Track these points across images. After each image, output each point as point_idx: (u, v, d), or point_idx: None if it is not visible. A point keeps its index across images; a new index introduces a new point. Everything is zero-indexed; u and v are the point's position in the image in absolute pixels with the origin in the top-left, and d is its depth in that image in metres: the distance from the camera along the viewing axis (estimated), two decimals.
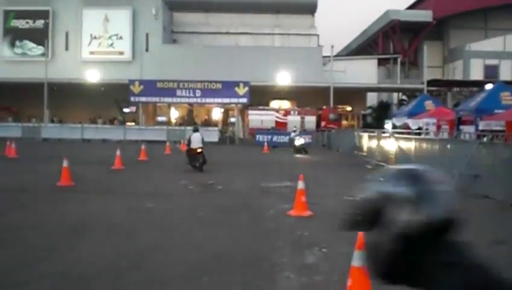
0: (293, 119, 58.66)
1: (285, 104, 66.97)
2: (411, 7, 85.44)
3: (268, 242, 10.53)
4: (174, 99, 60.20)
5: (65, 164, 18.66)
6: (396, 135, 31.64)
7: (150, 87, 58.61)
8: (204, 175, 22.86)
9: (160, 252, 9.55)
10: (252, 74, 58.49)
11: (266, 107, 62.08)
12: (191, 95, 59.21)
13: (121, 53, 68.50)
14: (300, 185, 13.78)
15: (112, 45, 68.64)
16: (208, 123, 64.32)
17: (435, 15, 75.88)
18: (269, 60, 62.91)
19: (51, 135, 52.92)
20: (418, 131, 34.30)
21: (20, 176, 21.77)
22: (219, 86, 58.60)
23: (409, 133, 33.88)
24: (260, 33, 74.45)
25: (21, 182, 19.52)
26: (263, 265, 8.77)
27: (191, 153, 25.77)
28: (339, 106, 64.28)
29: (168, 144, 40.80)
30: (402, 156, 27.46)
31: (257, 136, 53.24)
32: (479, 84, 53.46)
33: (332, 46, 62.77)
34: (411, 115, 38.01)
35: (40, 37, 67.11)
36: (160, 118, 64.82)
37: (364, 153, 35.01)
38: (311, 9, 77.59)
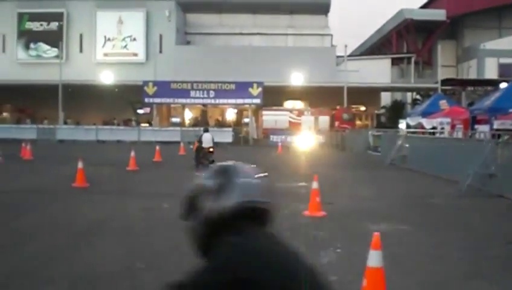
0: (307, 120, 58.65)
1: (299, 105, 66.91)
2: (425, 6, 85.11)
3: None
4: (188, 100, 60.30)
5: (80, 165, 18.75)
6: (410, 135, 31.63)
7: (164, 88, 58.73)
8: None
9: (176, 253, 9.59)
10: (265, 75, 58.46)
11: (280, 108, 62.08)
12: (205, 95, 59.29)
13: (135, 54, 68.76)
14: (315, 185, 13.79)
15: (125, 46, 68.92)
16: (222, 124, 64.33)
17: (448, 14, 75.56)
18: (283, 61, 62.87)
19: (66, 137, 53.15)
20: (432, 131, 34.17)
21: (36, 177, 21.91)
22: (233, 86, 58.63)
23: (423, 133, 33.82)
24: (273, 33, 74.43)
25: (36, 183, 19.65)
26: None
27: (202, 151, 26.57)
28: (353, 106, 64.13)
29: (182, 144, 40.85)
30: (415, 155, 27.40)
31: (271, 136, 53.27)
32: (494, 83, 53.16)
33: (345, 46, 62.73)
34: (425, 114, 37.86)
35: (54, 39, 67.42)
36: (174, 119, 64.91)
37: (378, 153, 34.96)
38: (324, 10, 77.47)
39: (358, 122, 63.02)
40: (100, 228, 11.71)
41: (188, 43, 74.84)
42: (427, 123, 35.94)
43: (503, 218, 14.27)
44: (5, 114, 68.77)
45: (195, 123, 63.15)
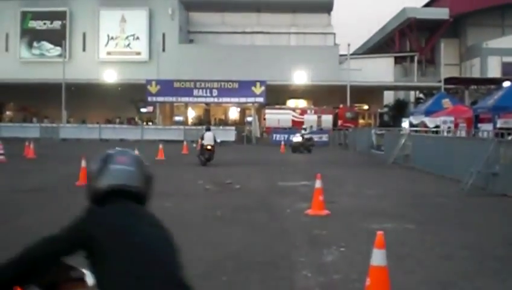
0: (310, 118, 58.64)
1: (302, 103, 66.92)
2: (428, 5, 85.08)
3: (286, 241, 10.55)
4: (191, 99, 60.40)
5: (83, 164, 18.78)
6: (413, 134, 31.59)
7: (167, 87, 58.78)
8: (221, 174, 22.90)
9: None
10: (268, 73, 58.49)
11: (283, 106, 62.11)
12: (208, 94, 59.36)
13: (138, 53, 68.82)
14: (318, 184, 13.77)
15: (128, 45, 68.99)
16: (224, 123, 64.34)
17: (451, 12, 75.53)
18: (285, 59, 62.86)
19: (69, 135, 53.23)
20: (436, 129, 34.14)
21: (39, 176, 21.92)
22: (235, 85, 58.68)
23: (426, 132, 33.79)
24: (276, 32, 74.43)
25: (40, 182, 19.65)
26: (281, 264, 8.79)
27: (202, 149, 28.35)
28: (356, 105, 64.15)
29: (185, 143, 40.86)
30: (418, 154, 27.38)
31: (274, 135, 53.29)
32: (497, 82, 53.06)
33: (348, 45, 62.67)
34: (428, 113, 37.86)
35: (57, 38, 67.50)
36: (177, 118, 64.98)
37: (381, 152, 34.94)
38: (327, 8, 77.46)
39: (361, 121, 62.97)
40: None
41: (191, 41, 74.89)
42: (430, 122, 35.92)
43: (507, 217, 14.25)
44: (8, 113, 68.89)
45: (199, 122, 63.18)
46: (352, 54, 66.22)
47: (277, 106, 60.48)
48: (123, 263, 2.68)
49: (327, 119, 59.11)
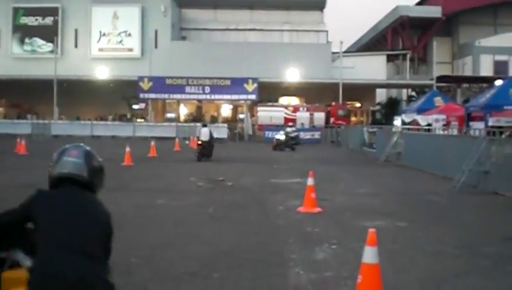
0: (302, 116, 58.66)
1: (294, 101, 66.94)
2: (420, 3, 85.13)
3: (279, 238, 10.56)
4: (183, 96, 60.38)
5: None
6: (405, 132, 31.64)
7: (159, 83, 58.74)
8: (214, 172, 22.89)
9: (171, 248, 9.60)
10: (261, 71, 58.50)
11: (275, 104, 62.03)
12: (200, 91, 59.33)
13: (130, 50, 68.71)
14: (310, 181, 13.79)
15: (121, 41, 68.89)
16: (217, 120, 64.27)
17: (444, 11, 75.68)
18: (278, 57, 62.87)
19: (61, 132, 53.03)
20: (428, 127, 34.21)
21: (30, 172, 21.85)
22: (228, 82, 58.67)
23: (418, 130, 33.86)
24: (269, 29, 74.43)
25: (31, 178, 19.58)
26: (273, 261, 8.80)
27: (198, 145, 29.59)
28: (348, 102, 64.23)
29: (177, 140, 40.83)
30: (410, 151, 27.44)
31: (266, 132, 53.29)
32: (489, 80, 53.22)
33: (341, 43, 62.77)
34: (420, 111, 37.93)
35: (49, 34, 67.33)
36: (169, 115, 64.93)
37: (374, 150, 35.00)
38: (320, 6, 77.53)
39: (353, 119, 63.06)
40: None
41: (184, 38, 74.79)
42: (422, 120, 35.98)
43: (498, 215, 14.30)
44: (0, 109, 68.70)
45: (193, 119, 63.13)
46: (344, 52, 66.34)
47: (269, 103, 60.43)
48: (49, 234, 3.47)
49: (319, 116, 59.09)
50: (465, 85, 62.03)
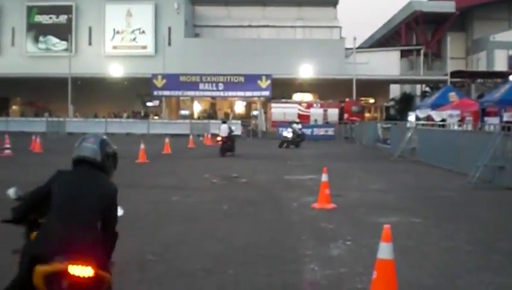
0: (316, 112, 58.63)
1: (308, 97, 66.83)
2: None
3: (293, 235, 10.57)
4: (197, 93, 60.48)
5: None
6: (419, 127, 31.53)
7: (173, 81, 58.86)
8: (228, 168, 22.94)
9: (186, 245, 9.63)
10: (274, 67, 58.49)
11: (289, 100, 62.02)
12: (214, 88, 59.41)
13: (144, 47, 68.90)
14: (324, 177, 13.78)
15: (134, 39, 69.08)
16: (228, 117, 64.24)
17: (458, 6, 75.32)
18: (291, 53, 62.86)
19: (75, 130, 53.17)
20: (442, 123, 34.08)
21: (45, 170, 21.90)
22: (241, 79, 58.70)
23: (432, 125, 33.72)
24: (282, 26, 74.36)
25: (46, 176, 19.66)
26: (288, 257, 8.81)
27: (218, 141, 31.18)
28: (362, 98, 64.11)
29: (191, 137, 40.90)
30: (425, 147, 27.35)
31: (280, 129, 53.26)
32: (503, 75, 52.97)
33: (354, 38, 62.54)
34: (434, 106, 37.78)
35: (63, 32, 67.66)
36: (183, 112, 65.05)
37: (388, 146, 34.92)
38: (333, 1, 77.43)
39: (367, 115, 62.95)
40: None
41: (197, 35, 74.92)
42: (437, 115, 35.83)
43: None
44: (14, 107, 69.07)
45: (207, 116, 63.25)
46: (358, 48, 66.10)
47: (283, 100, 60.43)
48: (58, 200, 4.47)
49: (333, 112, 59.03)
50: (479, 80, 61.69)
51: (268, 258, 8.75)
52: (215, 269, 8.10)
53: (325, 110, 59.27)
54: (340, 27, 77.34)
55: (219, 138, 31.02)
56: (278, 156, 31.72)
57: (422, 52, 73.19)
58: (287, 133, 40.00)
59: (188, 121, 57.02)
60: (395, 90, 71.61)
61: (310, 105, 60.43)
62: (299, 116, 57.36)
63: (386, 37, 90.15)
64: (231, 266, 8.29)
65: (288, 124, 44.59)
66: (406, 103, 64.04)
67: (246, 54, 62.60)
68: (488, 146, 18.38)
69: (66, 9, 68.90)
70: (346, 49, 69.16)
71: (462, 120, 33.26)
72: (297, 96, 65.90)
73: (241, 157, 29.92)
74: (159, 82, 58.93)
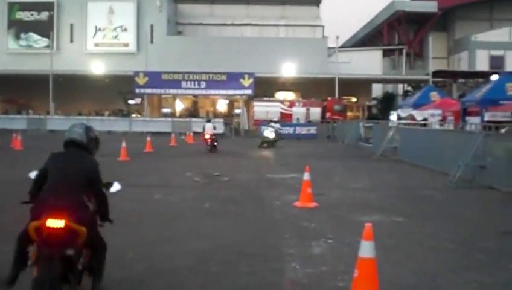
0: (298, 111, 58.67)
1: (290, 96, 66.90)
2: None
3: (275, 233, 10.57)
4: (179, 91, 60.28)
5: None
6: (401, 126, 31.65)
7: (155, 78, 58.64)
8: (210, 167, 22.90)
9: (168, 243, 9.59)
10: (257, 66, 58.47)
11: (271, 99, 62.01)
12: (196, 86, 59.25)
13: (126, 45, 68.61)
14: (306, 176, 13.80)
15: (116, 36, 68.76)
16: (213, 115, 64.17)
17: (440, 6, 75.72)
18: (274, 52, 62.85)
19: (56, 127, 52.84)
20: (424, 122, 34.25)
21: (26, 168, 21.75)
22: (224, 77, 58.61)
23: (414, 125, 33.88)
24: (265, 24, 74.40)
25: (26, 174, 19.54)
26: (270, 256, 8.80)
27: (205, 139, 32.05)
28: (344, 97, 64.22)
29: (173, 135, 40.80)
30: (406, 146, 27.45)
31: (262, 128, 53.27)
32: (485, 75, 53.32)
33: (337, 37, 62.70)
34: (416, 106, 37.97)
35: (45, 29, 67.26)
36: (165, 110, 64.88)
37: (370, 145, 35.01)
38: (316, 0, 77.56)
39: (349, 114, 63.14)
40: None
41: (179, 33, 74.72)
42: (418, 115, 36.00)
43: (494, 209, 14.32)
44: None
45: (189, 114, 63.13)
46: (340, 47, 66.32)
47: (265, 98, 60.39)
48: (51, 176, 5.91)
49: (315, 111, 59.11)
50: (461, 80, 62.12)
51: (251, 257, 8.75)
52: (198, 267, 8.08)
53: (308, 109, 59.31)
54: (323, 26, 77.52)
55: (207, 136, 31.83)
56: (260, 154, 31.74)
57: (404, 51, 73.52)
58: (269, 133, 39.14)
59: (170, 119, 56.88)
60: (377, 90, 71.88)
61: (292, 104, 60.48)
62: (282, 115, 57.41)
63: (368, 37, 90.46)
64: (213, 264, 8.27)
65: (267, 123, 43.71)
66: (388, 102, 64.33)
67: (229, 52, 62.47)
68: (469, 145, 18.48)
69: (48, 6, 68.43)
70: (329, 48, 69.28)
71: (443, 119, 33.44)
72: (279, 95, 65.95)
73: (223, 155, 29.89)
74: (141, 80, 58.69)
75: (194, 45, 67.04)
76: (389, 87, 74.53)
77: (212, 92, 60.46)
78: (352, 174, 21.89)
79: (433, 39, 62.81)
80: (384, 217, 12.30)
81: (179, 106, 68.02)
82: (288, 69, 61.16)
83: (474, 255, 9.28)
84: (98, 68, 61.58)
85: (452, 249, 9.63)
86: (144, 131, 49.08)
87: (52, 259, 5.37)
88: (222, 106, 69.53)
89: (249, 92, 58.82)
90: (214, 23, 74.19)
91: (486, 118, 28.79)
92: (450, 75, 62.46)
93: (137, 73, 58.80)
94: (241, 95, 60.04)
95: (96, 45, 68.48)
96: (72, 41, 68.75)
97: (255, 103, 59.49)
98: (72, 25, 68.60)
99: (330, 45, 69.07)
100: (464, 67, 71.98)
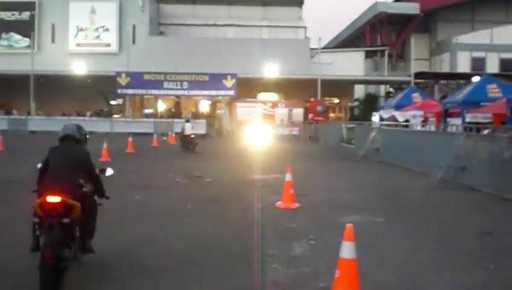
0: (281, 112, 58.69)
1: (273, 97, 66.91)
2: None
3: (257, 234, 10.56)
4: (161, 92, 60.15)
5: None
6: (383, 127, 31.76)
7: (137, 79, 58.44)
8: (192, 167, 22.84)
9: (149, 244, 9.57)
10: (239, 66, 58.43)
11: (254, 100, 61.96)
12: (178, 87, 59.14)
13: (108, 45, 68.19)
14: (288, 177, 13.81)
15: (98, 36, 68.32)
16: (196, 116, 64.04)
17: (422, 7, 75.98)
18: (257, 52, 62.75)
19: (38, 128, 52.58)
20: (405, 123, 34.39)
21: (7, 168, 21.69)
22: (206, 78, 58.55)
23: (396, 126, 34.01)
24: (248, 25, 74.26)
25: (7, 174, 19.44)
26: (252, 257, 8.79)
27: (185, 139, 32.63)
28: (327, 98, 64.33)
29: (155, 136, 40.69)
30: (388, 147, 27.56)
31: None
32: (466, 77, 53.60)
33: (319, 39, 62.81)
34: (398, 107, 38.07)
35: (26, 29, 66.69)
36: (147, 111, 64.68)
37: (352, 146, 35.11)
38: (298, 2, 77.60)
39: (331, 115, 63.25)
40: None
41: (162, 34, 74.47)
42: (400, 116, 36.14)
43: (475, 210, 14.41)
44: None
45: (171, 115, 62.94)
46: (323, 48, 66.45)
47: (248, 99, 60.35)
48: (52, 166, 7.19)
49: (298, 112, 59.12)
50: (442, 81, 62.36)
51: (233, 258, 8.75)
52: (179, 269, 8.07)
53: (290, 110, 59.31)
54: (305, 27, 77.57)
55: (193, 136, 32.83)
56: (243, 155, 31.70)
57: (386, 53, 73.68)
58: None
59: (151, 119, 56.72)
60: (359, 91, 72.04)
61: (275, 105, 60.47)
62: (264, 115, 57.40)
63: (350, 38, 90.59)
64: (195, 265, 8.26)
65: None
66: (370, 103, 64.50)
67: (211, 53, 62.38)
68: (450, 147, 18.57)
69: (29, 6, 67.90)
70: (311, 49, 69.29)
71: (425, 121, 33.58)
72: (262, 96, 65.93)
73: (205, 156, 29.86)
74: (123, 80, 58.46)
75: (176, 45, 66.84)
76: (371, 89, 74.70)
77: (195, 92, 60.38)
78: (335, 175, 21.94)
79: (415, 41, 63.18)
80: (366, 218, 12.34)
81: (161, 106, 67.80)
82: (271, 70, 61.13)
83: (454, 255, 9.33)
84: (79, 68, 61.18)
85: (433, 250, 9.68)
86: (125, 132, 48.84)
87: (52, 226, 6.75)
88: (205, 106, 69.39)
89: (232, 92, 58.80)
90: (196, 23, 73.97)
91: (467, 119, 28.94)
92: (431, 76, 62.69)
93: (119, 73, 58.55)
94: (223, 96, 59.98)
95: (78, 45, 68.01)
96: (53, 41, 68.24)
97: (238, 104, 59.43)
98: (53, 25, 68.10)
99: (313, 46, 69.08)
100: (445, 68, 72.32)
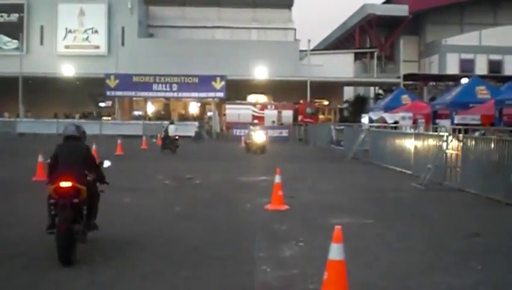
0: (270, 114, 58.67)
1: (262, 99, 66.85)
2: (387, 1, 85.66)
3: (246, 236, 10.55)
4: (151, 94, 59.97)
5: (40, 158, 18.55)
6: (372, 129, 31.81)
7: (126, 81, 58.28)
8: (181, 169, 22.80)
9: (137, 247, 9.54)
10: (228, 68, 58.38)
11: (243, 102, 61.89)
12: (168, 89, 58.99)
13: (97, 47, 68.06)
14: (277, 179, 13.81)
15: (87, 38, 68.17)
16: (186, 118, 63.93)
17: (411, 9, 76.23)
18: (246, 54, 62.76)
19: (26, 130, 52.40)
20: (395, 125, 34.45)
21: None
22: (196, 80, 58.43)
23: (385, 127, 34.06)
24: (237, 27, 74.27)
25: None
26: (241, 259, 8.79)
27: (168, 140, 32.94)
28: (316, 100, 64.39)
29: (144, 138, 40.60)
30: (377, 149, 27.60)
31: (234, 130, 53.25)
32: (455, 79, 53.79)
33: (309, 41, 62.87)
34: (387, 109, 38.11)
35: (14, 31, 66.53)
36: (136, 113, 64.54)
37: (341, 147, 35.13)
38: (288, 4, 77.67)
39: (321, 117, 63.23)
40: None
41: (151, 36, 74.37)
42: (389, 118, 36.18)
43: (463, 212, 14.44)
44: None
45: (159, 117, 62.78)
46: (312, 50, 66.44)
47: (237, 101, 60.29)
48: (61, 160, 8.74)
49: (287, 114, 59.10)
50: (431, 83, 62.59)
51: (222, 260, 8.73)
52: (167, 271, 8.04)
53: (280, 112, 59.30)
54: (295, 29, 77.69)
55: (177, 137, 33.02)
56: (231, 157, 31.69)
57: (375, 55, 73.89)
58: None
59: (141, 122, 56.59)
60: (348, 93, 72.16)
61: (264, 107, 60.42)
62: (254, 117, 57.35)
63: (340, 40, 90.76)
64: (184, 268, 8.24)
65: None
66: (360, 105, 64.59)
67: (200, 55, 62.32)
68: (439, 148, 18.61)
69: (18, 8, 67.69)
70: (301, 51, 69.41)
71: (414, 122, 33.64)
72: (251, 98, 65.86)
73: (194, 158, 29.82)
74: (112, 82, 58.29)
75: (166, 47, 66.76)
76: (361, 90, 74.84)
77: (184, 94, 60.21)
78: (324, 177, 21.96)
79: (404, 43, 63.24)
80: (355, 219, 12.36)
81: (151, 108, 67.63)
82: (260, 72, 61.15)
83: (443, 256, 9.35)
84: (68, 70, 60.98)
85: (421, 251, 9.70)
86: (114, 134, 48.68)
87: (65, 206, 8.26)
88: (194, 108, 69.26)
89: (221, 94, 58.72)
90: (186, 25, 73.89)
91: (456, 121, 29.00)
92: (420, 78, 62.93)
93: (108, 75, 58.39)
94: (213, 98, 59.89)
95: (67, 47, 67.82)
96: (42, 43, 68.05)
97: (227, 106, 59.37)
98: (42, 27, 67.91)
99: (302, 48, 69.22)
100: (434, 70, 72.62)
